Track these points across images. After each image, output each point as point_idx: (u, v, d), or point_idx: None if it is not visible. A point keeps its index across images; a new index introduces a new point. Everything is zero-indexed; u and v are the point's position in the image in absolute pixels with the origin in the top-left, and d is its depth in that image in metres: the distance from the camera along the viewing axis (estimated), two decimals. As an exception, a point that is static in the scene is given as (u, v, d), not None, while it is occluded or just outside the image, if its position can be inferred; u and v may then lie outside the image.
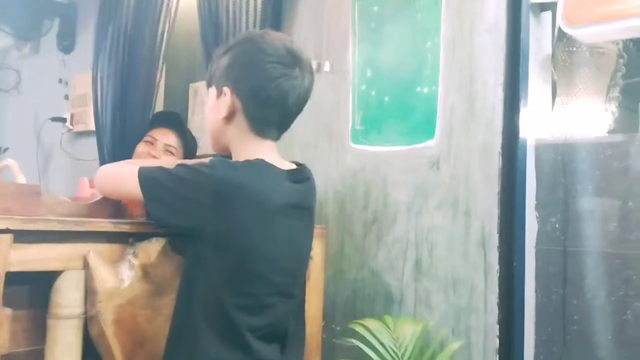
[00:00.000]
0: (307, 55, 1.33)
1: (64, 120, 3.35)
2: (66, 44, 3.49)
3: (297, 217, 1.29)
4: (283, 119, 1.31)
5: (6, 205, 1.11)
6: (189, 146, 2.29)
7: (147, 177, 1.21)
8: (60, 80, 3.46)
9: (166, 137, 2.23)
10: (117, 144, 2.84)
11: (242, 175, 1.19)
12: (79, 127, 3.29)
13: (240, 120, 1.28)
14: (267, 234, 1.20)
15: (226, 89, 1.27)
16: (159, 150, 2.22)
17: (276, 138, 1.34)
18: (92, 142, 2.99)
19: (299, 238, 1.32)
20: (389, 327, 1.66)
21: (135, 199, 1.26)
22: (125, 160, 1.42)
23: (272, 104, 1.27)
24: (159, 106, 3.03)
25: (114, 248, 1.25)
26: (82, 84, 3.26)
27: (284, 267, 1.25)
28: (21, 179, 1.24)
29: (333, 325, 1.95)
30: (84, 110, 3.26)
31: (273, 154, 1.31)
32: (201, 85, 2.95)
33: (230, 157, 1.33)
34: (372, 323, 1.67)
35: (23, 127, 3.70)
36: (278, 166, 1.27)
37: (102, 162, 2.89)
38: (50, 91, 3.50)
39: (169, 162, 1.47)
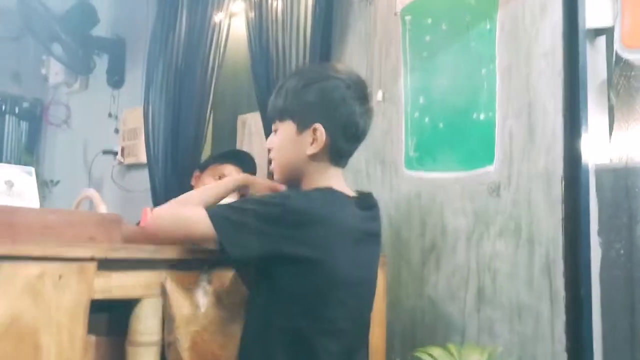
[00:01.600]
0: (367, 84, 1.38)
1: (114, 153, 3.44)
2: (116, 79, 3.61)
3: (368, 243, 1.31)
4: (356, 149, 1.35)
5: (90, 234, 1.15)
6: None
7: (220, 218, 1.19)
8: (110, 115, 3.57)
9: (235, 175, 2.28)
10: (169, 176, 2.91)
11: (317, 203, 1.21)
12: (129, 160, 3.37)
13: (323, 155, 1.30)
14: (345, 260, 1.22)
15: (318, 126, 1.28)
16: None
17: (344, 166, 1.37)
18: (143, 174, 3.07)
19: (370, 263, 1.34)
20: (453, 355, 1.64)
21: (208, 240, 1.23)
22: (178, 200, 1.33)
23: (358, 137, 1.33)
24: (208, 138, 3.09)
25: (189, 275, 1.27)
26: (132, 117, 3.35)
27: (359, 292, 1.27)
28: (102, 209, 1.28)
29: (392, 355, 1.93)
30: (134, 144, 3.35)
31: (341, 181, 1.34)
32: (249, 117, 3.00)
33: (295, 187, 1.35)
34: (435, 351, 1.65)
35: (73, 160, 3.81)
36: (346, 193, 1.30)
37: (154, 193, 2.96)
38: (100, 125, 3.61)
39: (223, 184, 1.46)
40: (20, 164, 3.84)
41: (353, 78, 1.32)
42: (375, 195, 2.10)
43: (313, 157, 1.29)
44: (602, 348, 1.71)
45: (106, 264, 1.14)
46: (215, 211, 1.21)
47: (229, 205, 1.24)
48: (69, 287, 1.07)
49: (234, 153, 2.48)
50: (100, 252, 1.13)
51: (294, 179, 1.35)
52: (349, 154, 1.36)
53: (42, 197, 3.56)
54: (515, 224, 1.76)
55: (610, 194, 1.79)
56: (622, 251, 1.76)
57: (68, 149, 3.94)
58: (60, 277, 1.06)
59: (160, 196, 2.91)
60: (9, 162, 4.12)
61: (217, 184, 1.45)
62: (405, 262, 2.00)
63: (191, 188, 2.43)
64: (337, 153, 1.31)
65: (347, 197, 1.29)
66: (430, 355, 1.62)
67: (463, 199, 1.89)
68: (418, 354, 1.64)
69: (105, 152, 3.46)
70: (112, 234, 1.18)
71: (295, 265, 1.18)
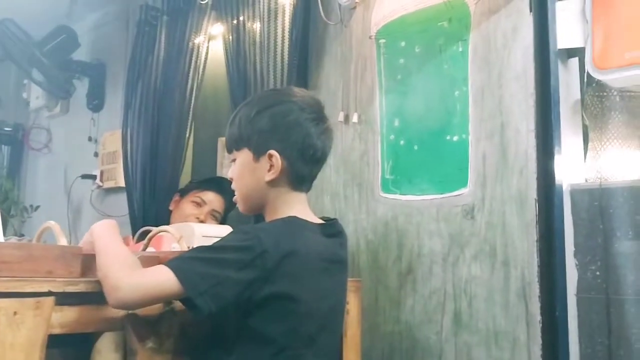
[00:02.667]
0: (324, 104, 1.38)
1: (93, 177, 3.41)
2: (95, 102, 3.59)
3: (334, 272, 1.28)
4: (318, 172, 1.33)
5: (49, 267, 1.12)
6: (229, 211, 2.32)
7: (187, 273, 1.12)
8: (89, 138, 3.54)
9: (215, 203, 2.29)
10: (147, 200, 2.88)
11: (283, 238, 1.18)
12: (108, 184, 3.34)
13: (283, 180, 1.28)
14: (314, 293, 1.20)
15: (273, 152, 1.26)
16: (206, 214, 2.26)
17: (308, 190, 1.35)
18: (122, 198, 3.04)
19: (338, 293, 1.31)
20: (429, 383, 1.61)
21: (175, 298, 1.17)
22: (118, 262, 1.18)
23: (317, 159, 1.31)
24: (188, 160, 3.07)
25: (153, 308, 1.24)
26: (112, 141, 3.33)
27: (328, 324, 1.24)
28: (63, 241, 1.25)
29: (370, 382, 1.90)
30: (113, 167, 3.32)
31: (306, 208, 1.32)
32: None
33: (255, 216, 1.33)
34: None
35: (53, 185, 3.77)
36: (311, 221, 1.28)
37: (133, 217, 2.93)
38: (80, 149, 3.58)
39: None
40: (0, 189, 3.81)
41: (307, 100, 1.31)
42: (352, 218, 2.12)
43: (272, 184, 1.27)
44: (580, 372, 1.69)
45: (65, 298, 1.12)
46: (178, 266, 1.13)
47: (193, 257, 1.16)
48: (24, 323, 1.04)
49: (215, 180, 2.46)
50: (57, 287, 1.10)
51: (255, 210, 1.33)
52: (311, 177, 1.33)
53: (22, 222, 3.53)
54: (490, 246, 1.75)
55: (586, 214, 1.78)
56: (598, 272, 1.75)
57: (49, 173, 3.90)
58: (15, 313, 1.03)
59: (138, 220, 2.88)
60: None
61: (111, 238, 1.28)
62: (383, 286, 1.98)
63: (169, 213, 2.41)
64: (297, 178, 1.29)
65: (312, 224, 1.27)
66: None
67: (438, 221, 1.88)
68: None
69: (84, 177, 3.42)
70: (72, 267, 1.15)
71: (266, 304, 1.15)
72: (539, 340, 1.63)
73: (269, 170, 1.27)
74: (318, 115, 1.30)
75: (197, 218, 2.27)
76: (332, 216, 2.12)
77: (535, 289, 1.65)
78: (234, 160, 1.35)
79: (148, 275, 1.15)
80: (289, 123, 1.27)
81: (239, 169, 1.32)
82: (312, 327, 1.20)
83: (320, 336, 1.22)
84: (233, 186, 1.35)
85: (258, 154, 1.29)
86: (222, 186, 2.32)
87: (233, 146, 1.34)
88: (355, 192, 2.13)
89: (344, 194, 2.16)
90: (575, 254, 1.78)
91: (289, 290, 1.15)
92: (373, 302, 1.98)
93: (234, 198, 1.36)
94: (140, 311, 1.21)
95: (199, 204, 2.29)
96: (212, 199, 2.30)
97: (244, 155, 1.31)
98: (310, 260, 1.20)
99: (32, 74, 3.50)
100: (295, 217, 1.24)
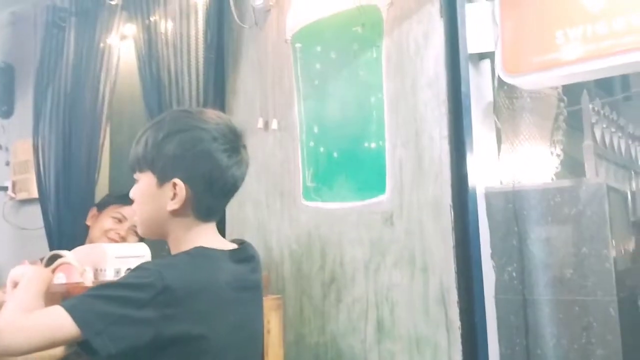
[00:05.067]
0: (242, 132, 1.29)
1: (5, 188, 3.22)
2: (4, 109, 3.38)
3: (246, 300, 1.24)
4: (228, 202, 1.28)
5: None
6: None
7: (83, 312, 1.04)
8: (0, 147, 3.33)
9: (134, 219, 2.17)
10: (62, 210, 2.74)
11: (189, 273, 1.12)
12: (21, 195, 3.16)
13: (187, 210, 1.21)
14: (228, 327, 1.15)
15: (178, 181, 1.19)
16: (127, 230, 2.16)
17: (217, 219, 1.29)
18: (37, 210, 2.88)
19: (253, 320, 1.27)
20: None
21: (72, 341, 1.08)
22: (15, 306, 1.11)
23: (226, 192, 1.24)
24: (105, 167, 2.94)
25: (56, 351, 1.16)
26: (23, 149, 3.14)
27: (246, 355, 1.21)
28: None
29: (297, 394, 1.89)
30: (26, 177, 3.14)
31: (214, 236, 1.26)
32: (147, 144, 2.88)
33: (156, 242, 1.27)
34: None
35: (-37, 196, 3.54)
36: (219, 248, 1.22)
37: (49, 229, 2.79)
38: (-11, 158, 3.37)
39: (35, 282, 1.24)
40: None
41: (221, 128, 1.23)
42: (275, 227, 2.08)
43: (175, 214, 1.21)
44: (500, 372, 1.73)
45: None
46: (74, 305, 1.05)
47: (91, 296, 1.08)
48: None
49: None
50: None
51: (157, 234, 1.26)
52: (219, 209, 1.28)
53: None
54: (409, 253, 1.75)
55: (501, 217, 1.82)
56: (514, 274, 1.79)
57: (-43, 184, 3.66)
58: None
59: (54, 234, 2.75)
60: None
61: (27, 285, 1.20)
62: (307, 296, 1.96)
63: (87, 228, 2.30)
64: (204, 209, 1.23)
65: (220, 252, 1.21)
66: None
67: (359, 229, 1.87)
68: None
69: (-5, 188, 3.24)
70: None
71: (175, 345, 1.09)
72: (459, 346, 1.65)
73: (172, 199, 1.20)
74: (232, 145, 1.23)
75: (118, 234, 2.17)
76: (254, 226, 2.11)
77: (453, 295, 1.67)
78: (136, 179, 1.27)
79: (39, 317, 1.07)
80: (198, 152, 1.20)
81: (141, 192, 1.25)
82: None
83: None
84: (134, 207, 1.27)
85: (162, 180, 1.21)
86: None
87: (136, 167, 1.25)
88: (277, 201, 2.09)
89: (266, 203, 2.12)
90: (492, 256, 1.81)
91: (198, 330, 1.10)
92: (298, 313, 1.96)
93: (135, 220, 1.29)
94: (40, 357, 1.14)
95: (119, 220, 2.19)
96: (132, 214, 2.21)
97: (147, 179, 1.23)
98: (219, 294, 1.15)
99: None
100: (201, 247, 1.18)
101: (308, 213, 2.01)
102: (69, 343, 1.12)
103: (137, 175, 1.26)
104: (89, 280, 1.37)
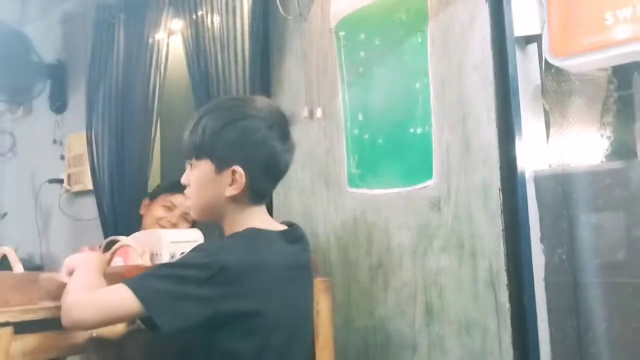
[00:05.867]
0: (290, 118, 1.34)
1: (61, 181, 3.34)
2: (59, 104, 3.51)
3: (299, 279, 1.28)
4: (276, 186, 1.33)
5: (5, 297, 1.10)
6: None
7: (145, 290, 1.10)
8: (55, 141, 3.47)
9: (186, 205, 2.24)
10: (116, 202, 2.84)
11: (245, 254, 1.17)
12: (76, 187, 3.29)
13: (243, 195, 1.26)
14: (281, 306, 1.20)
15: (238, 168, 1.23)
16: (177, 217, 2.24)
17: (268, 202, 1.34)
18: (91, 201, 2.99)
19: (305, 300, 1.31)
20: (403, 376, 1.63)
21: (134, 318, 1.16)
22: (80, 285, 1.17)
23: (279, 176, 1.31)
24: (156, 160, 3.03)
25: (117, 328, 1.22)
26: (77, 143, 3.27)
27: (297, 334, 1.24)
28: (18, 268, 1.22)
29: (346, 377, 1.92)
30: (80, 170, 3.26)
31: (266, 218, 1.32)
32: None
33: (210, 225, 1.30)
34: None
35: (21, 190, 3.70)
36: (271, 229, 1.27)
37: (103, 220, 2.89)
38: (45, 152, 3.51)
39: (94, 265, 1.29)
40: (-34, 197, 3.73)
41: (274, 116, 1.28)
42: (321, 214, 2.11)
43: (232, 199, 1.25)
44: (550, 356, 1.72)
45: (24, 326, 1.10)
46: (137, 283, 1.11)
47: (152, 275, 1.15)
48: (-18, 357, 1.02)
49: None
50: (15, 316, 1.08)
51: (213, 218, 1.31)
52: (271, 192, 1.34)
53: (-10, 231, 3.46)
54: (458, 238, 1.76)
55: (550, 200, 1.80)
56: (564, 256, 1.77)
57: (15, 178, 3.82)
58: (-29, 347, 1.01)
59: (109, 224, 2.85)
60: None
61: (87, 267, 1.25)
62: (355, 281, 1.98)
63: (140, 217, 2.38)
64: (258, 193, 1.27)
65: (273, 233, 1.26)
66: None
67: (406, 214, 1.88)
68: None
69: (51, 181, 3.36)
70: (30, 294, 1.13)
71: (232, 321, 1.13)
72: (509, 329, 1.65)
73: (231, 185, 1.24)
74: (284, 132, 1.29)
75: (169, 222, 2.25)
76: (300, 213, 2.15)
77: (503, 278, 1.67)
78: (190, 165, 1.31)
79: (104, 293, 1.13)
80: (255, 141, 1.24)
81: (198, 179, 1.29)
82: (281, 339, 1.19)
83: (290, 347, 1.22)
84: (187, 193, 1.32)
85: (220, 167, 1.25)
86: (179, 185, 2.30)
87: (192, 154, 1.29)
88: (323, 188, 2.12)
89: (312, 190, 2.16)
90: (542, 240, 1.80)
91: (255, 306, 1.14)
92: (345, 297, 1.99)
93: (187, 204, 1.33)
94: (103, 332, 1.20)
95: (169, 208, 2.27)
96: (183, 202, 2.27)
97: (205, 166, 1.27)
98: (272, 272, 1.19)
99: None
100: (254, 228, 1.23)
101: (353, 199, 2.03)
102: (132, 319, 1.18)
103: (192, 162, 1.30)
104: (147, 262, 1.42)
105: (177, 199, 2.28)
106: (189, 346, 1.19)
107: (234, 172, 1.24)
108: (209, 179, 1.26)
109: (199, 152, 1.27)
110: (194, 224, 2.29)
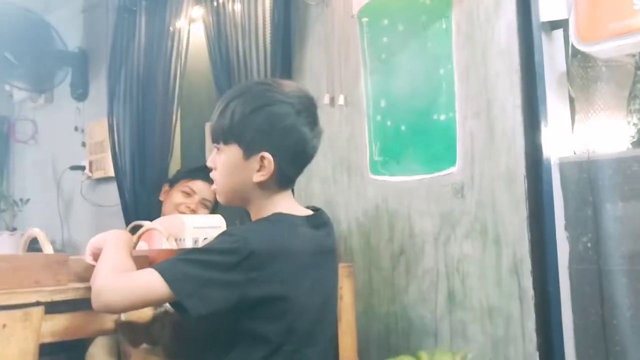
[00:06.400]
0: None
1: (82, 168, 3.38)
2: (80, 92, 3.54)
3: (324, 264, 1.28)
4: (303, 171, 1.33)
5: (36, 277, 1.11)
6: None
7: (174, 275, 1.11)
8: (76, 128, 3.50)
9: (205, 192, 2.25)
10: (137, 189, 2.86)
11: (272, 238, 1.17)
12: (98, 174, 3.32)
13: (271, 181, 1.25)
14: (307, 290, 1.20)
15: (267, 155, 1.22)
16: (196, 203, 2.25)
17: (293, 186, 1.34)
18: (112, 188, 3.02)
19: (329, 284, 1.31)
20: (424, 363, 1.63)
21: (164, 301, 1.16)
22: (110, 267, 1.17)
23: (306, 162, 1.30)
24: (176, 147, 3.05)
25: (145, 310, 1.23)
26: (99, 130, 3.29)
27: (322, 317, 1.25)
28: (48, 249, 1.24)
29: (367, 363, 1.92)
30: (102, 157, 3.29)
31: (292, 203, 1.31)
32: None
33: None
34: (406, 360, 1.64)
35: (43, 177, 3.74)
36: (297, 214, 1.27)
37: (125, 206, 2.91)
38: (67, 139, 3.55)
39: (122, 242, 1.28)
40: (-12, 184, 3.79)
41: (303, 102, 1.27)
42: (342, 202, 2.11)
43: (259, 184, 1.25)
44: (574, 343, 1.71)
45: (54, 307, 1.11)
46: (166, 268, 1.12)
47: (181, 260, 1.14)
48: (14, 335, 1.04)
49: (203, 169, 2.44)
50: (45, 296, 1.09)
51: (239, 203, 1.30)
52: (297, 177, 1.32)
53: (12, 216, 3.51)
54: (481, 224, 1.75)
55: (575, 187, 1.78)
56: (589, 244, 1.76)
57: (37, 165, 3.87)
58: (4, 326, 1.03)
59: (130, 210, 2.87)
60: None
61: (115, 246, 1.24)
62: (376, 268, 1.98)
63: (160, 203, 2.40)
64: (285, 179, 1.27)
65: (299, 218, 1.26)
66: (400, 364, 1.62)
67: (428, 201, 1.87)
68: (388, 364, 1.63)
69: (73, 168, 3.40)
70: (59, 275, 1.14)
71: (259, 306, 1.14)
72: (533, 315, 1.64)
73: (259, 171, 1.23)
74: (313, 118, 1.28)
75: (188, 207, 2.26)
76: (322, 201, 2.15)
77: (527, 265, 1.66)
78: (217, 148, 1.29)
79: (134, 278, 1.14)
80: (284, 127, 1.23)
81: (226, 164, 1.27)
82: (307, 323, 1.20)
83: (315, 330, 1.22)
84: (214, 177, 1.31)
85: (249, 152, 1.24)
86: (202, 171, 2.31)
87: (220, 138, 1.27)
88: (345, 175, 2.12)
89: (334, 178, 2.16)
90: (566, 227, 1.78)
91: (281, 291, 1.15)
92: (367, 284, 1.99)
93: (213, 188, 1.32)
94: (132, 314, 1.21)
95: (188, 194, 2.28)
96: (202, 188, 2.28)
97: (233, 151, 1.25)
98: (298, 257, 1.19)
99: (12, 69, 3.43)
100: (280, 213, 1.23)
101: (375, 187, 2.03)
102: (161, 303, 1.19)
103: (219, 146, 1.28)
104: (174, 245, 1.44)
105: (196, 185, 2.29)
106: (217, 328, 1.20)
107: (262, 158, 1.23)
108: (237, 164, 1.25)
109: (227, 136, 1.26)
110: (213, 211, 2.30)
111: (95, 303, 1.11)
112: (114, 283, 1.12)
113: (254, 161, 1.23)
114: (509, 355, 1.67)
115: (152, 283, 1.10)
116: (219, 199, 1.34)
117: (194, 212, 2.25)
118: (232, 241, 1.14)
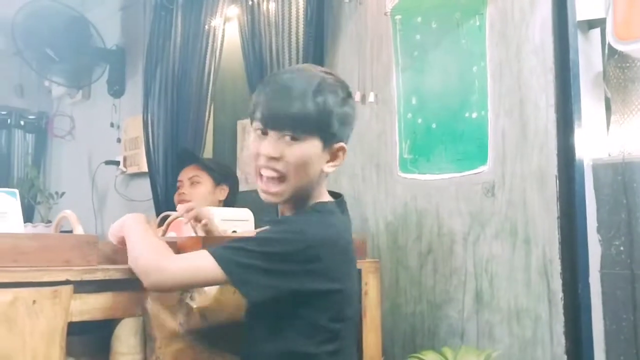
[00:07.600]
0: None
1: (117, 163, 3.44)
2: (116, 88, 3.60)
3: (353, 251, 1.28)
4: None
5: (66, 257, 1.13)
6: (215, 170, 2.38)
7: (229, 262, 1.11)
8: (112, 124, 3.56)
9: (187, 173, 2.39)
10: (170, 184, 2.90)
11: (324, 232, 1.17)
12: (132, 169, 3.37)
13: None
14: (351, 279, 1.22)
15: (345, 145, 1.21)
16: (187, 187, 2.33)
17: None
18: (145, 183, 3.06)
19: (355, 269, 1.31)
20: (447, 359, 1.61)
21: (214, 284, 1.21)
22: (155, 247, 1.19)
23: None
24: (209, 144, 3.08)
25: (171, 293, 1.25)
26: (134, 127, 3.35)
27: (357, 305, 1.29)
28: (79, 230, 1.26)
29: (392, 362, 1.91)
30: (136, 153, 3.35)
31: (326, 189, 1.30)
32: (249, 122, 2.98)
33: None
34: (429, 355, 1.62)
35: (78, 171, 3.82)
36: (331, 201, 1.26)
37: (157, 202, 2.95)
38: (102, 135, 3.61)
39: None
40: (26, 177, 3.88)
41: (350, 92, 1.25)
42: (371, 199, 2.10)
43: (323, 175, 1.22)
44: (604, 347, 1.67)
45: (83, 286, 1.13)
46: (222, 255, 1.12)
47: (236, 247, 1.13)
48: (43, 312, 1.06)
49: (177, 158, 2.65)
50: (75, 275, 1.11)
51: (299, 194, 1.21)
52: None
53: (48, 209, 3.58)
54: (511, 224, 1.72)
55: (609, 189, 1.75)
56: (622, 248, 1.72)
57: (73, 160, 3.95)
58: (34, 302, 1.05)
59: (162, 205, 2.91)
60: (16, 176, 4.16)
61: (138, 229, 1.25)
62: (403, 267, 1.97)
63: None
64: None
65: (334, 205, 1.25)
66: (424, 360, 1.60)
67: (458, 200, 1.86)
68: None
69: (108, 163, 3.46)
70: (89, 255, 1.16)
71: (313, 298, 1.14)
72: (562, 318, 1.61)
73: (330, 161, 1.20)
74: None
75: (182, 199, 2.32)
76: (350, 198, 2.14)
77: (556, 267, 1.63)
78: (288, 137, 1.16)
79: (186, 259, 1.16)
80: (354, 118, 1.23)
81: (305, 156, 1.16)
82: (351, 311, 1.22)
83: (354, 317, 1.25)
84: (276, 166, 1.17)
85: (328, 143, 1.18)
86: (182, 158, 2.52)
87: (299, 128, 1.15)
88: (374, 173, 2.12)
89: (362, 175, 2.15)
90: (599, 230, 1.75)
91: (335, 283, 1.15)
92: (394, 282, 1.98)
93: (272, 175, 1.17)
94: (159, 297, 1.22)
95: (179, 187, 2.41)
96: (184, 172, 2.41)
97: (314, 142, 1.16)
98: (345, 247, 1.20)
99: (51, 64, 3.52)
100: (322, 203, 1.22)
101: (404, 185, 2.02)
102: (211, 285, 1.22)
103: (297, 136, 1.16)
104: (203, 232, 1.45)
105: (181, 174, 2.43)
106: (268, 314, 1.18)
107: (340, 149, 1.21)
108: (317, 156, 1.18)
109: (311, 127, 1.15)
110: (232, 203, 2.34)
111: (151, 280, 1.14)
112: (161, 263, 1.14)
113: (328, 152, 1.20)
114: (536, 358, 1.64)
115: (207, 266, 1.12)
116: (284, 196, 1.20)
117: (187, 202, 2.25)
118: (290, 231, 1.15)
